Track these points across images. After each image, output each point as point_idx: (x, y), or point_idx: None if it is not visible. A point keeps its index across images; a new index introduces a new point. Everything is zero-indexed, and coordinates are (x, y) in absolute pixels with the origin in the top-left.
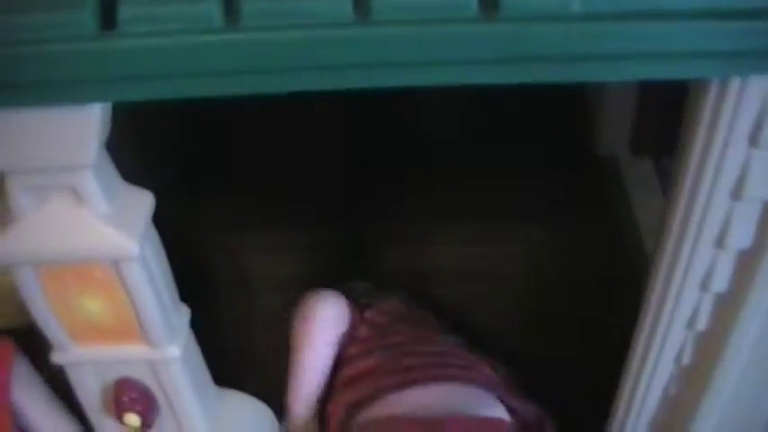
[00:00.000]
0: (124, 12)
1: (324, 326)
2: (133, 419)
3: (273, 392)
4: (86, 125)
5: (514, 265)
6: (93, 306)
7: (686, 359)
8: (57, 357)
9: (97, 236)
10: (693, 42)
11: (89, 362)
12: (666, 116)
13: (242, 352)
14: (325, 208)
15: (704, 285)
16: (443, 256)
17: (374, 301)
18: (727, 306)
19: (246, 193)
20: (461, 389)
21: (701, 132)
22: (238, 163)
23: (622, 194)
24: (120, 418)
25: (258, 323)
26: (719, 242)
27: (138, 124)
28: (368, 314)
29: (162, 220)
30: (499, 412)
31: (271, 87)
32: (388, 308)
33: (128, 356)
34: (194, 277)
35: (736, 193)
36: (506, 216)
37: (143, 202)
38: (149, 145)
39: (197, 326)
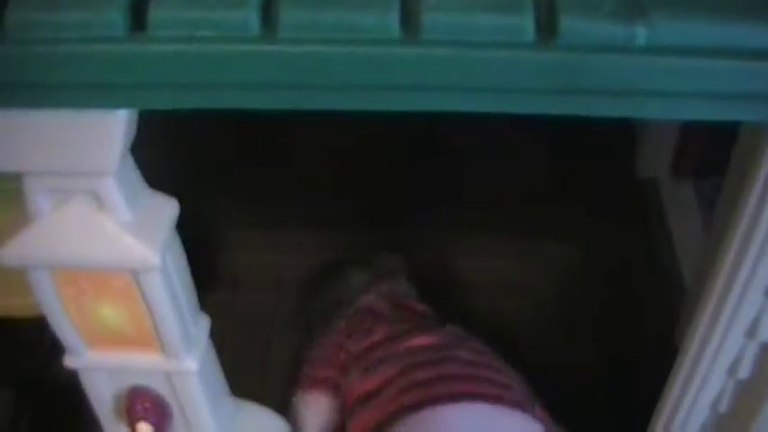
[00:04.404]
0: (155, 14)
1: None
2: (146, 429)
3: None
4: (111, 131)
5: (549, 281)
6: (110, 313)
7: (723, 407)
8: (70, 361)
9: (117, 244)
10: (761, 83)
11: (103, 368)
12: (709, 139)
13: (260, 352)
14: (358, 213)
15: (750, 333)
16: (477, 268)
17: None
18: None
19: (273, 194)
20: (489, 409)
21: (761, 176)
22: (266, 162)
23: (661, 216)
24: (132, 426)
25: (276, 323)
26: None
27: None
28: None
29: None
30: None
31: (306, 104)
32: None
33: (143, 365)
34: (213, 276)
35: None
36: (543, 233)
37: (167, 210)
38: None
39: (214, 326)
